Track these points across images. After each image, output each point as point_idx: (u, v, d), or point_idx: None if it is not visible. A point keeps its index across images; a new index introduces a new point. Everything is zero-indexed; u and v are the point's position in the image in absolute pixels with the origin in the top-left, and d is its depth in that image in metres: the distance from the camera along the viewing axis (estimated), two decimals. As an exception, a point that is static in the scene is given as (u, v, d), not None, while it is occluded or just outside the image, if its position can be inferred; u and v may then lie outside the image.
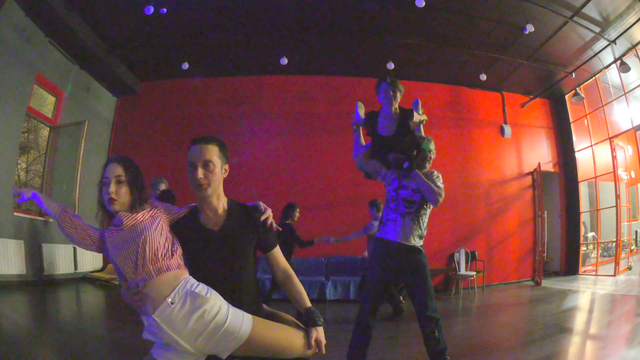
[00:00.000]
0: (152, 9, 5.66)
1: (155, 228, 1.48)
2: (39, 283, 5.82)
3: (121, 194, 1.50)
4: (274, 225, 1.67)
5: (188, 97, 8.27)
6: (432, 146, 2.67)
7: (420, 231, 2.56)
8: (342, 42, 7.17)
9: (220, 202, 1.61)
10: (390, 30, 6.80)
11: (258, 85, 8.31)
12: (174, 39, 6.89)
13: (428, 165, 2.66)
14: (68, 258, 6.54)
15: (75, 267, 6.67)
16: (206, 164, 1.54)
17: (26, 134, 8.38)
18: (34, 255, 5.89)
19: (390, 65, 7.25)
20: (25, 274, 5.61)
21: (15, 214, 5.82)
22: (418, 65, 7.81)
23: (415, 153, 2.55)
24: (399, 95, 2.67)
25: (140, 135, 8.03)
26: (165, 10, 5.80)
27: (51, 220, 6.48)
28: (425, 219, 2.59)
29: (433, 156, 2.67)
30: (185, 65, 7.32)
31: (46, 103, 7.08)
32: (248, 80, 8.31)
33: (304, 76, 8.25)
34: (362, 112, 2.96)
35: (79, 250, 6.75)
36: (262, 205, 1.68)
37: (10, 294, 5.07)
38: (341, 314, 5.55)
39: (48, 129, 6.97)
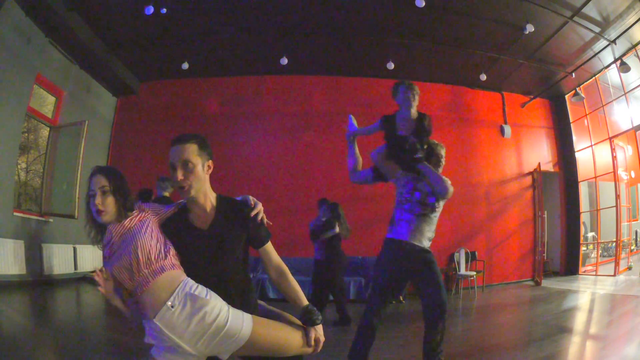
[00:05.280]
0: (152, 9, 5.66)
1: (145, 231, 1.48)
2: (39, 283, 5.82)
3: (107, 204, 1.49)
4: (265, 219, 1.64)
5: (188, 97, 8.28)
6: (443, 152, 2.72)
7: (430, 233, 2.61)
8: (342, 42, 7.16)
9: (208, 199, 1.58)
10: (390, 30, 6.80)
11: (258, 85, 8.31)
12: (174, 39, 6.89)
13: (439, 171, 2.70)
14: (68, 258, 6.54)
15: (75, 267, 6.67)
16: (185, 164, 1.51)
17: (26, 134, 8.38)
18: (34, 255, 5.89)
19: (390, 65, 7.25)
20: (25, 274, 5.60)
21: (15, 213, 5.82)
22: (418, 65, 7.81)
23: (425, 147, 2.63)
24: (417, 98, 2.69)
25: (140, 135, 8.03)
26: (165, 10, 5.80)
27: (51, 220, 6.48)
28: (435, 222, 2.64)
29: (443, 163, 2.73)
30: (185, 65, 7.32)
31: (46, 103, 7.08)
32: (248, 80, 8.31)
33: (304, 76, 8.25)
34: (355, 123, 2.97)
35: (79, 250, 6.76)
36: (251, 199, 1.64)
37: (10, 294, 5.07)
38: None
39: (48, 129, 6.97)
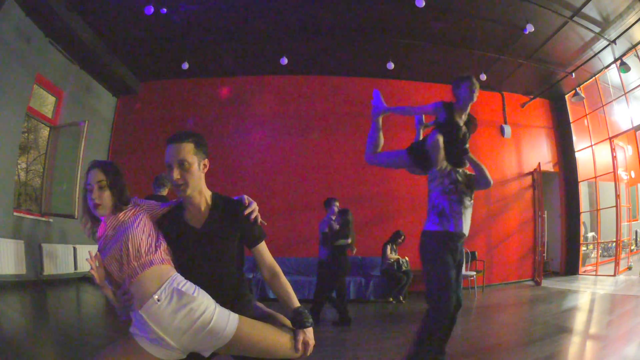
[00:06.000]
0: (152, 9, 5.66)
1: (137, 225, 1.51)
2: (39, 283, 5.82)
3: (104, 198, 1.53)
4: (259, 219, 1.63)
5: (188, 97, 8.28)
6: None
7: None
8: (342, 42, 7.16)
9: (203, 198, 1.59)
10: (390, 30, 6.80)
11: (258, 85, 8.32)
12: (174, 39, 6.89)
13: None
14: (68, 258, 6.54)
15: (75, 267, 6.67)
16: (181, 164, 1.51)
17: (26, 134, 8.39)
18: (34, 255, 5.89)
19: (390, 65, 7.24)
20: (25, 274, 5.61)
21: (15, 214, 5.82)
22: (418, 65, 7.80)
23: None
24: (477, 95, 2.68)
25: (140, 135, 8.04)
26: (165, 10, 5.80)
27: (51, 220, 6.48)
28: None
29: None
30: (185, 65, 7.32)
31: (46, 103, 7.08)
32: (248, 80, 8.31)
33: (304, 76, 8.26)
34: (382, 99, 2.88)
35: (79, 250, 6.76)
36: (246, 198, 1.64)
37: (10, 294, 5.07)
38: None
39: (48, 129, 6.98)
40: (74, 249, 6.67)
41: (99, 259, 1.48)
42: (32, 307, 4.90)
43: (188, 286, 1.44)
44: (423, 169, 2.69)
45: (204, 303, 1.42)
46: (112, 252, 1.46)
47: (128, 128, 8.20)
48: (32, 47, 5.89)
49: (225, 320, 1.41)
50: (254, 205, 1.62)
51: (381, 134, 2.85)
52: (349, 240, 4.92)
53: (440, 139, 2.57)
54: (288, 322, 1.56)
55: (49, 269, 6.11)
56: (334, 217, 5.08)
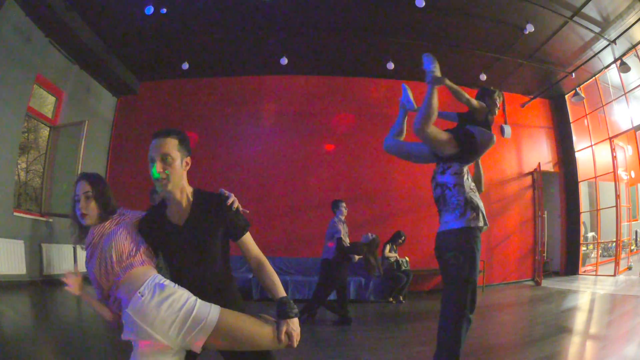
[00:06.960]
0: (152, 9, 5.66)
1: (120, 233, 1.57)
2: (39, 283, 5.83)
3: (90, 208, 1.60)
4: (241, 208, 1.64)
5: (188, 97, 8.27)
6: None
7: None
8: (342, 42, 7.17)
9: (184, 195, 1.60)
10: (390, 30, 6.80)
11: (258, 85, 8.32)
12: (174, 39, 6.89)
13: None
14: (68, 258, 6.54)
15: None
16: (164, 158, 1.54)
17: (26, 134, 8.39)
18: (34, 255, 5.90)
19: (390, 65, 7.25)
20: (25, 274, 5.61)
21: (15, 214, 5.82)
22: (418, 65, 7.76)
23: None
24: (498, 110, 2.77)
25: (140, 135, 8.03)
26: (165, 10, 5.80)
27: (51, 220, 6.49)
28: None
29: None
30: (185, 65, 7.32)
31: (46, 103, 7.08)
32: (248, 80, 8.31)
33: (304, 76, 8.26)
34: (411, 95, 2.85)
35: (79, 250, 6.75)
36: (225, 191, 1.65)
37: (10, 294, 5.08)
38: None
39: (48, 129, 6.98)
40: (74, 249, 6.67)
41: (75, 271, 1.59)
42: (32, 307, 4.90)
43: (168, 282, 1.51)
44: (467, 160, 2.62)
45: (185, 295, 1.48)
46: (99, 262, 1.53)
47: (128, 128, 8.20)
48: (32, 47, 5.89)
49: (207, 309, 1.45)
50: (234, 197, 1.64)
51: (405, 125, 2.80)
52: (355, 259, 4.99)
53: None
54: (269, 317, 1.56)
55: (49, 269, 6.11)
56: (342, 218, 5.10)
